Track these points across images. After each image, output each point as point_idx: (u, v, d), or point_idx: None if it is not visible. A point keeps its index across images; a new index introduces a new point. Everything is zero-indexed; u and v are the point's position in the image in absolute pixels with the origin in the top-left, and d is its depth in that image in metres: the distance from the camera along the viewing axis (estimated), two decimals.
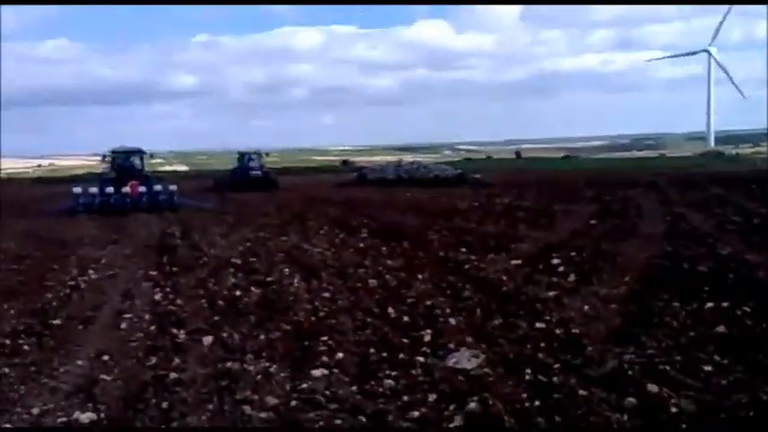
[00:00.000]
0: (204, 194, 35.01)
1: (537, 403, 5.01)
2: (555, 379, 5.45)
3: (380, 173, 46.53)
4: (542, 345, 6.49)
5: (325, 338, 7.08)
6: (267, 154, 45.03)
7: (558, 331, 6.91)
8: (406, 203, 26.20)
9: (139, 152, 30.63)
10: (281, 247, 14.68)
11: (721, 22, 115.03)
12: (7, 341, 7.34)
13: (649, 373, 5.47)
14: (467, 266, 11.17)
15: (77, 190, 27.34)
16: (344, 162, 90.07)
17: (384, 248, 13.80)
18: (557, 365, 5.84)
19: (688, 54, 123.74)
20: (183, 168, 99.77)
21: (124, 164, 29.79)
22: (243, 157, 42.47)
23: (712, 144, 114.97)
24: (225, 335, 7.39)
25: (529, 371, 5.70)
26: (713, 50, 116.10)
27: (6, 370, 6.33)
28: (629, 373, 5.46)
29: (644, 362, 5.77)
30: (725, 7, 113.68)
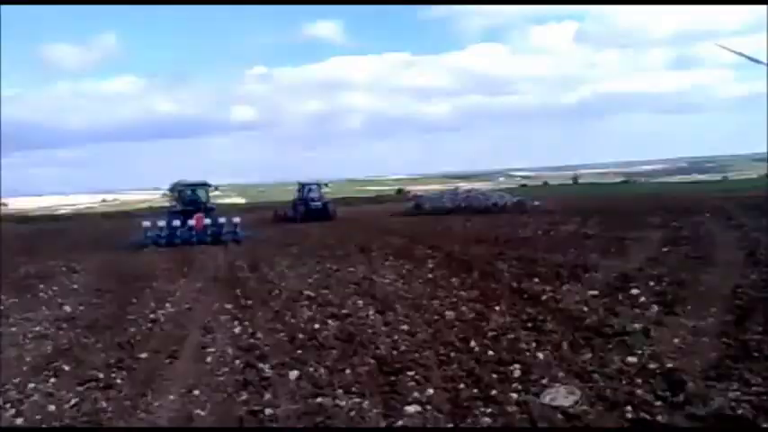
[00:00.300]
0: (265, 226, 35.58)
1: None
2: (659, 417, 5.25)
3: (437, 201, 46.34)
4: (638, 380, 6.30)
5: (411, 373, 7.02)
6: (326, 185, 44.81)
7: (652, 366, 6.69)
8: (467, 233, 26.00)
9: (205, 185, 31.43)
10: (350, 278, 14.71)
11: None
12: (100, 374, 7.52)
13: (761, 411, 5.22)
14: (543, 297, 10.97)
15: (146, 224, 28.04)
16: (399, 191, 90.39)
17: (454, 279, 13.69)
18: (658, 402, 5.64)
19: (753, 60, 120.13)
20: (241, 201, 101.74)
21: (190, 197, 30.59)
22: (303, 188, 42.40)
23: None
24: (310, 369, 7.41)
25: (629, 408, 5.53)
26: None
27: (104, 404, 6.47)
28: (739, 411, 5.22)
29: (752, 400, 5.51)
30: None
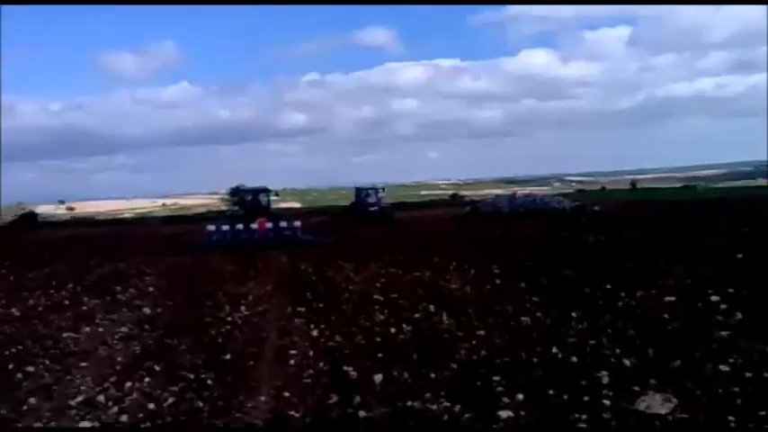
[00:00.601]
0: (323, 230, 35.88)
1: None
2: (766, 426, 5.14)
3: (494, 206, 46.00)
4: (735, 389, 6.16)
5: (497, 378, 7.02)
6: (383, 189, 44.28)
7: (747, 374, 6.54)
8: (529, 238, 25.73)
9: (266, 190, 32.39)
10: (417, 282, 14.76)
11: None
12: (191, 375, 7.75)
13: None
14: (619, 303, 10.81)
15: (211, 227, 28.90)
16: (453, 196, 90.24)
17: (523, 285, 13.59)
18: (761, 412, 5.52)
19: None
20: (297, 205, 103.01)
21: (252, 202, 31.43)
22: (360, 192, 42.28)
23: None
24: (394, 373, 7.48)
25: (732, 417, 5.42)
26: None
27: (200, 404, 6.66)
28: None
29: None
30: None
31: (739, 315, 9.46)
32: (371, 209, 40.41)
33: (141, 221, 70.11)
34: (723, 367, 6.85)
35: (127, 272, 20.03)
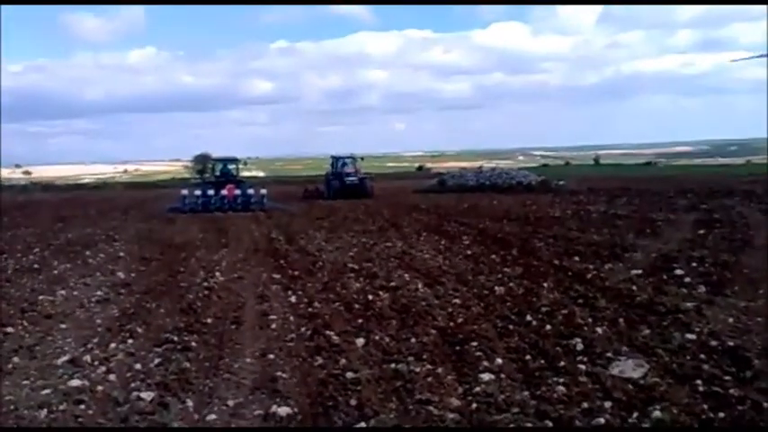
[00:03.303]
0: (291, 200, 35.80)
1: (721, 415, 5.05)
2: (732, 391, 5.46)
3: (461, 179, 46.39)
4: (702, 356, 6.50)
5: (475, 344, 7.26)
6: (362, 158, 41.37)
7: (713, 343, 6.88)
8: (496, 210, 26.11)
9: (235, 160, 34.36)
10: (390, 252, 14.95)
11: None
12: (174, 337, 7.84)
13: None
14: (588, 276, 11.15)
15: (184, 192, 31.25)
16: (420, 168, 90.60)
17: (494, 256, 13.89)
18: (726, 377, 5.84)
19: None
20: (260, 174, 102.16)
21: (223, 170, 33.92)
22: (336, 162, 39.61)
23: None
24: (376, 337, 7.67)
25: (699, 381, 5.74)
26: None
27: (187, 365, 6.77)
28: None
29: None
30: None
31: (703, 288, 9.87)
32: (349, 179, 37.91)
33: (102, 187, 69.04)
34: (690, 336, 7.18)
35: (95, 237, 19.84)
